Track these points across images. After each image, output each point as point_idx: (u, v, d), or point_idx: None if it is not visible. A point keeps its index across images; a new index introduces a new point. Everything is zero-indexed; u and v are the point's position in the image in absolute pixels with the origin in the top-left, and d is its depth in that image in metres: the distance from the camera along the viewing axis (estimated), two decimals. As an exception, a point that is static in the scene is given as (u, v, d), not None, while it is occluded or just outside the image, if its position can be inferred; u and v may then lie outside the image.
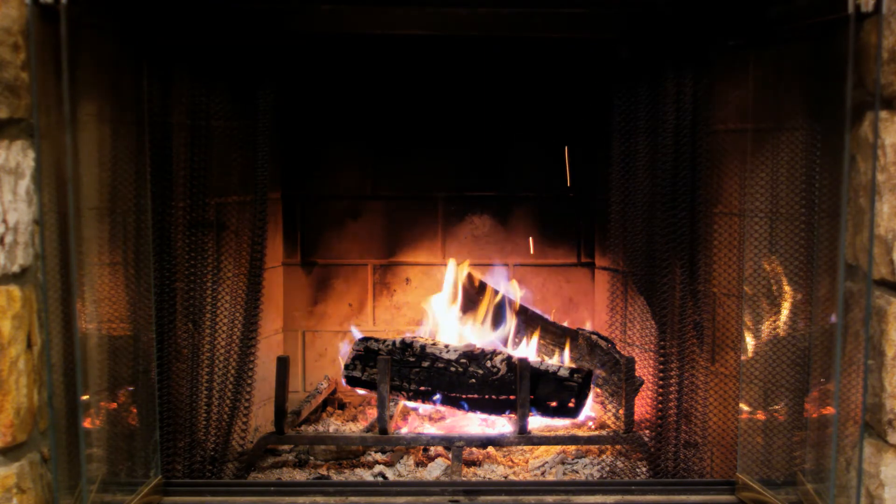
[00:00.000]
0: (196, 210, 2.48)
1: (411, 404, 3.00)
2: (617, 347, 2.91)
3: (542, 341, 3.13)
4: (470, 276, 3.22)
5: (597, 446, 2.83)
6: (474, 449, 2.82)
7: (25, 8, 1.74)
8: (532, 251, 3.31)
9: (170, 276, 2.42)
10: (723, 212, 2.52)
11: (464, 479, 2.62)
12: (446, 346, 2.92)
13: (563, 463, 2.76)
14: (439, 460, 2.74)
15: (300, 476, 2.70)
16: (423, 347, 2.90)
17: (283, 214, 3.28)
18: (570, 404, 2.76)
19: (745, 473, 2.27)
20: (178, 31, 2.28)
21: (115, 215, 2.21)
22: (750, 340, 2.29)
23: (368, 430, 2.90)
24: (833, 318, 1.96)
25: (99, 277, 2.14)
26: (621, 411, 2.69)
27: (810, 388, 2.12)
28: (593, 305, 3.35)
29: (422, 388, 2.87)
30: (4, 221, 1.70)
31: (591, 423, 2.99)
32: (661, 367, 2.50)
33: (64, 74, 1.80)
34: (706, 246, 2.53)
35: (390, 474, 2.70)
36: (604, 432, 2.87)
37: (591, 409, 2.93)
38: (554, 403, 2.77)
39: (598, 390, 2.91)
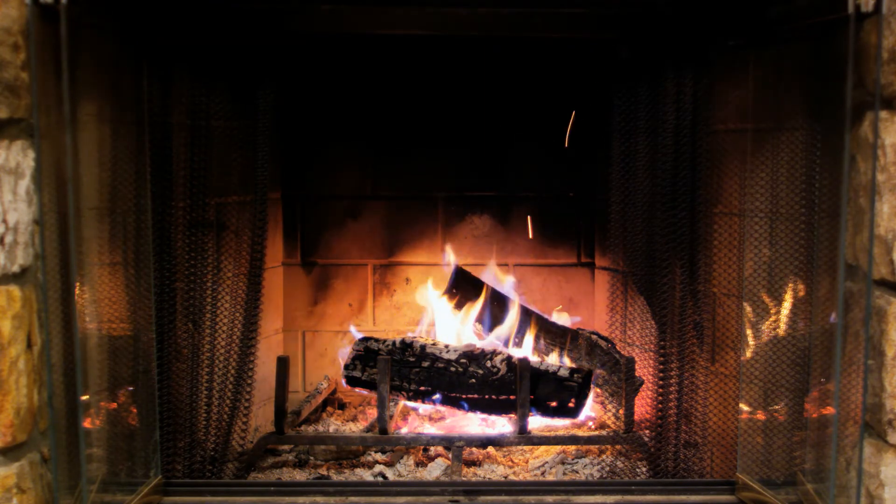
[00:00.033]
0: (196, 210, 2.48)
1: (411, 404, 3.00)
2: (617, 347, 2.91)
3: (541, 341, 3.12)
4: (470, 276, 3.22)
5: (597, 446, 2.83)
6: (474, 449, 2.82)
7: (25, 8, 1.74)
8: (531, 244, 3.31)
9: (170, 276, 2.42)
10: (723, 212, 2.52)
11: (464, 479, 2.62)
12: (446, 346, 2.92)
13: (563, 463, 2.76)
14: (439, 460, 2.74)
15: (300, 476, 2.70)
16: (423, 347, 2.90)
17: (283, 214, 3.28)
18: (570, 404, 2.76)
19: (745, 473, 2.27)
20: (178, 31, 2.28)
21: (115, 215, 2.21)
22: (750, 340, 2.29)
23: (368, 430, 2.90)
24: (833, 318, 1.96)
25: (99, 277, 2.14)
26: (621, 411, 2.69)
27: (810, 388, 2.12)
28: (593, 305, 3.35)
29: (422, 388, 2.87)
30: (4, 221, 1.70)
31: (591, 423, 2.99)
32: (661, 367, 2.50)
33: (64, 74, 1.80)
34: (706, 246, 2.53)
35: (390, 474, 2.70)
36: (604, 432, 2.87)
37: (591, 409, 2.93)
38: (554, 403, 2.77)
39: (598, 390, 2.91)
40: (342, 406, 3.29)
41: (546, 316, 3.18)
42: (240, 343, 2.55)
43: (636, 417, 2.70)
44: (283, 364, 2.71)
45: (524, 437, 2.70)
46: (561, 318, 3.22)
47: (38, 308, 1.82)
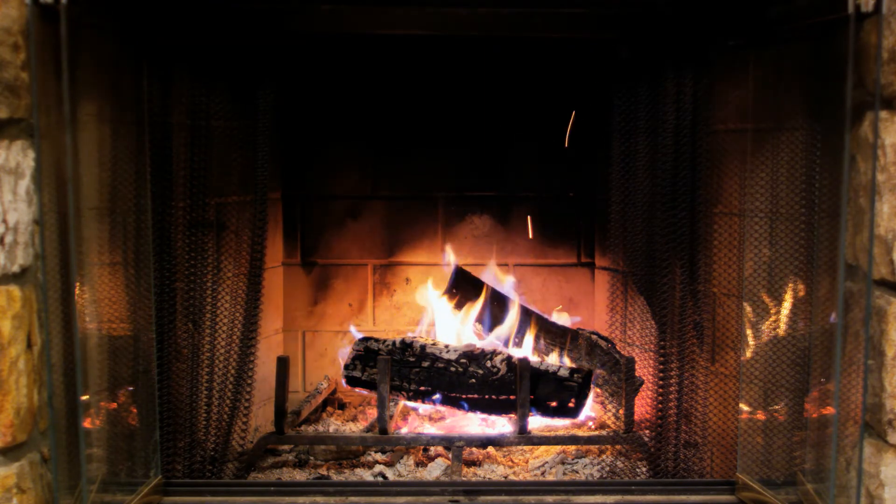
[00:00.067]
0: (196, 210, 2.48)
1: (411, 404, 3.00)
2: (617, 347, 2.91)
3: (541, 341, 3.12)
4: (470, 276, 3.22)
5: (597, 446, 2.83)
6: (474, 449, 2.82)
7: (25, 8, 1.74)
8: (531, 244, 3.31)
9: (170, 276, 2.42)
10: (723, 212, 2.52)
11: (464, 479, 2.62)
12: (446, 346, 2.92)
13: (563, 463, 2.76)
14: (439, 460, 2.74)
15: (300, 476, 2.70)
16: (423, 347, 2.90)
17: (283, 214, 3.28)
18: (570, 404, 2.76)
19: (745, 473, 2.27)
20: (178, 31, 2.28)
21: (115, 215, 2.21)
22: (750, 340, 2.29)
23: (368, 430, 2.90)
24: (833, 318, 1.96)
25: (99, 277, 2.14)
26: (621, 411, 2.69)
27: (810, 388, 2.12)
28: (593, 305, 3.35)
29: (422, 388, 2.87)
30: (4, 221, 1.70)
31: (591, 423, 2.99)
32: (661, 367, 2.50)
33: (64, 74, 1.80)
34: (706, 246, 2.53)
35: (390, 474, 2.70)
36: (604, 432, 2.87)
37: (591, 409, 2.93)
38: (554, 403, 2.77)
39: (598, 390, 2.91)
40: (342, 406, 3.29)
41: (546, 316, 3.18)
42: (240, 343, 2.55)
43: (636, 417, 2.70)
44: (283, 364, 2.72)
45: (524, 437, 2.70)
46: (561, 318, 3.22)
47: (38, 308, 1.82)
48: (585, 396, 2.80)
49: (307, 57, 3.04)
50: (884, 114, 1.82)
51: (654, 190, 2.50)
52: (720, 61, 2.43)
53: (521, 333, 3.13)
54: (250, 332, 2.56)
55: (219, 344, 2.53)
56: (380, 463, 2.77)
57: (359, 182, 3.31)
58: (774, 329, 2.25)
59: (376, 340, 2.97)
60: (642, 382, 2.76)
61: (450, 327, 3.17)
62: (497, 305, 3.16)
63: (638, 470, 2.60)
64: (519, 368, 2.71)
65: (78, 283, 1.95)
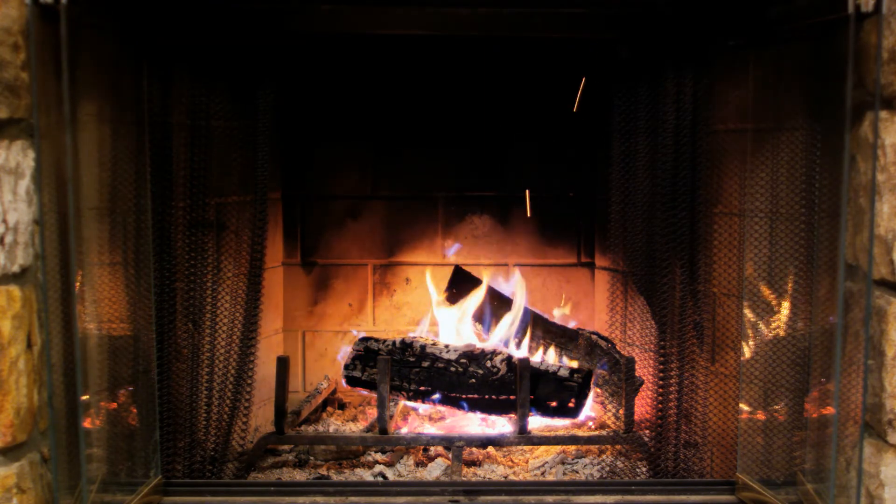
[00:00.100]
0: (196, 210, 2.48)
1: (411, 404, 3.00)
2: (617, 347, 2.91)
3: (541, 341, 3.12)
4: (469, 276, 3.22)
5: (597, 446, 2.83)
6: (474, 449, 2.82)
7: (25, 8, 1.74)
8: (531, 244, 3.31)
9: (170, 276, 2.42)
10: (723, 212, 2.52)
11: (464, 479, 2.62)
12: (446, 346, 2.92)
13: (563, 463, 2.76)
14: (439, 460, 2.74)
15: (300, 476, 2.70)
16: (423, 347, 2.90)
17: (283, 214, 3.28)
18: (571, 404, 2.76)
19: (745, 473, 2.27)
20: (178, 31, 2.28)
21: (115, 215, 2.21)
22: (750, 340, 2.29)
23: (368, 430, 2.90)
24: (833, 318, 1.96)
25: (99, 277, 2.14)
26: (621, 411, 2.69)
27: (810, 388, 2.12)
28: (593, 305, 3.35)
29: (422, 388, 2.87)
30: (4, 221, 1.70)
31: (591, 423, 2.99)
32: (661, 367, 2.50)
33: (64, 74, 1.80)
34: (706, 246, 2.53)
35: (390, 474, 2.70)
36: (604, 432, 2.87)
37: (591, 409, 2.93)
38: (554, 403, 2.77)
39: (598, 390, 2.91)
40: (342, 406, 3.29)
41: (546, 316, 3.18)
42: (240, 343, 2.55)
43: (636, 417, 2.70)
44: (283, 364, 2.71)
45: (524, 437, 2.70)
46: (561, 318, 3.22)
47: (38, 308, 1.82)
48: (585, 396, 2.80)
49: (307, 57, 3.04)
50: (884, 114, 1.82)
51: (654, 190, 2.50)
52: (720, 61, 2.43)
53: (520, 333, 3.13)
54: (250, 332, 2.56)
55: (219, 344, 2.53)
56: (380, 463, 2.77)
57: (359, 182, 3.30)
58: (774, 329, 2.25)
59: (376, 340, 2.97)
60: (642, 382, 2.76)
61: (450, 327, 3.17)
62: (497, 305, 3.16)
63: (638, 470, 2.60)
64: (519, 368, 2.71)
65: (78, 283, 1.95)
